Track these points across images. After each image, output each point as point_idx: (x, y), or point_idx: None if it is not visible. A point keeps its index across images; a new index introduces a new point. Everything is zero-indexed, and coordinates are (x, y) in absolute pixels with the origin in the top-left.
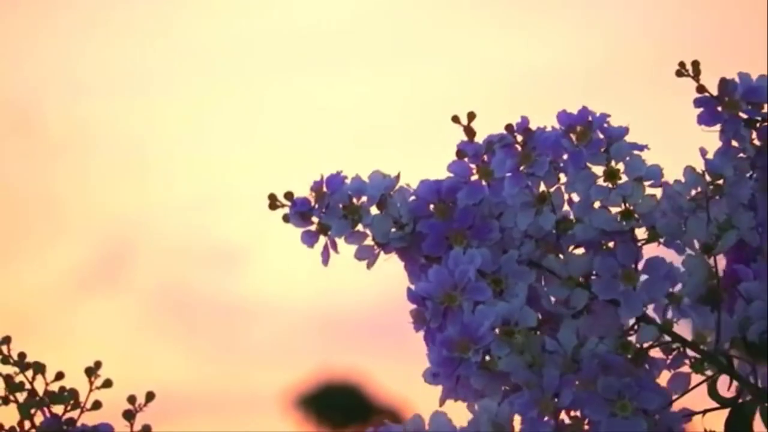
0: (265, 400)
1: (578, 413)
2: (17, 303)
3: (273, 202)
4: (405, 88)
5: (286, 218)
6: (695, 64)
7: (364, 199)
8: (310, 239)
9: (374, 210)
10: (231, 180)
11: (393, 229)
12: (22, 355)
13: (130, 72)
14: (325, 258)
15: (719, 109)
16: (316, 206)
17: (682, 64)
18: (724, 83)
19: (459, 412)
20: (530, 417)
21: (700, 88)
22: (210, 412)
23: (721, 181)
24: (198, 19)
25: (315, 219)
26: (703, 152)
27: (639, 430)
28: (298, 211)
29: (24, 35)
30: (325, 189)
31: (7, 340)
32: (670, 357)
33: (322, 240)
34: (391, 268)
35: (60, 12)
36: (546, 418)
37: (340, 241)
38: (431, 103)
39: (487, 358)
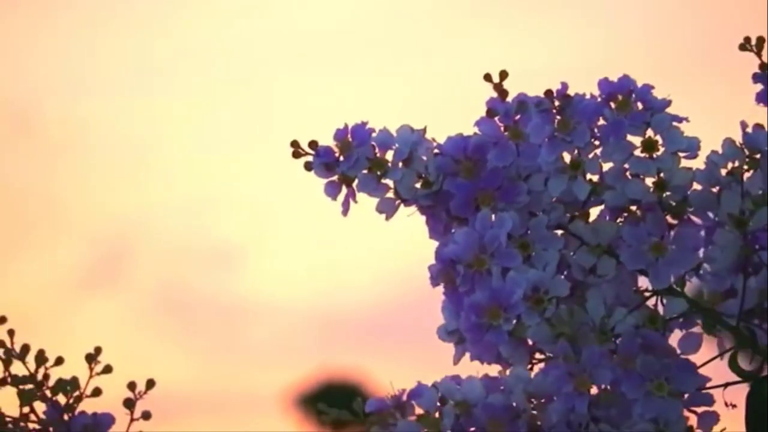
0: (265, 400)
1: (608, 388)
2: (16, 302)
3: (296, 150)
4: (403, 88)
5: (308, 167)
6: (760, 40)
7: (389, 152)
8: (333, 190)
9: (400, 164)
10: (231, 180)
11: (418, 185)
12: (25, 347)
13: (130, 72)
14: (346, 208)
15: None
16: (341, 157)
17: (747, 39)
18: None
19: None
20: (566, 391)
21: (763, 66)
22: (210, 412)
23: (758, 156)
24: (198, 19)
25: (338, 169)
26: (743, 125)
27: (674, 412)
28: (322, 162)
29: (24, 35)
30: (350, 139)
31: (10, 332)
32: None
33: (344, 191)
34: (391, 268)
35: (60, 12)
36: (582, 393)
37: (360, 195)
38: (430, 103)
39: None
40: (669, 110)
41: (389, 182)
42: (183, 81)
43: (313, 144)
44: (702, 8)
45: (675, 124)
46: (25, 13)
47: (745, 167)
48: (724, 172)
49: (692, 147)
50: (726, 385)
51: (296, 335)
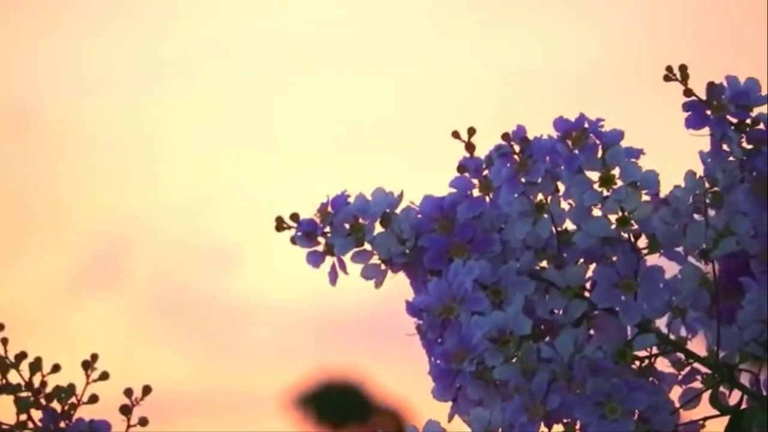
0: (264, 400)
1: (569, 419)
2: (15, 302)
3: (279, 224)
4: (402, 88)
5: (293, 240)
6: (682, 68)
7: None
8: (316, 260)
9: (378, 228)
10: (229, 180)
11: (396, 246)
12: (21, 354)
13: (130, 72)
14: (333, 278)
15: (707, 112)
16: (321, 226)
17: (669, 69)
18: (712, 87)
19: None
20: (521, 422)
21: (687, 92)
22: (209, 413)
23: (718, 187)
24: (198, 19)
25: (321, 240)
26: (703, 157)
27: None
28: (304, 232)
29: (24, 35)
30: (329, 209)
31: (3, 341)
32: (682, 373)
33: (329, 260)
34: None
35: (60, 12)
36: (535, 423)
37: (348, 262)
38: (429, 103)
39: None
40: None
41: (371, 248)
42: (181, 81)
43: (294, 217)
44: (700, 9)
45: (631, 158)
46: (25, 13)
47: (707, 201)
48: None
49: (651, 181)
50: (705, 419)
51: (295, 335)
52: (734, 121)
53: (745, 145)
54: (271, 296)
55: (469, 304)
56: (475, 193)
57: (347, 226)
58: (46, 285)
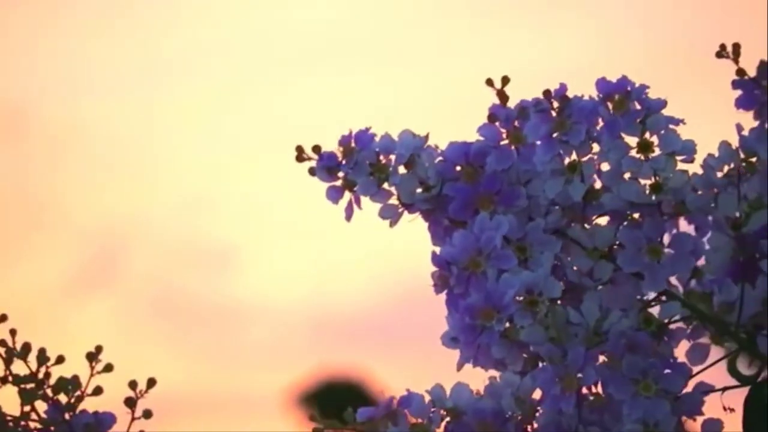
0: (264, 399)
1: (600, 390)
2: (13, 302)
3: (300, 155)
4: (402, 88)
5: (312, 171)
6: (735, 47)
7: (392, 157)
8: (335, 195)
9: (402, 169)
10: (229, 180)
11: (419, 190)
12: (26, 345)
13: (128, 72)
14: (349, 214)
15: (757, 92)
16: (344, 162)
17: (722, 46)
18: (762, 66)
19: (476, 378)
20: (553, 393)
21: (740, 71)
22: (209, 413)
23: (754, 159)
24: (197, 19)
25: (341, 174)
26: (738, 129)
27: (662, 412)
28: (325, 166)
29: (24, 35)
30: (353, 144)
31: (12, 332)
32: (690, 327)
33: (347, 196)
34: (390, 267)
35: (59, 12)
36: (568, 395)
37: (365, 199)
38: (429, 103)
39: (508, 325)
40: (666, 112)
41: (392, 189)
42: (180, 81)
43: (316, 149)
44: (700, 9)
45: (671, 126)
46: (24, 13)
47: (742, 170)
48: (720, 175)
49: (688, 149)
50: (724, 389)
51: (295, 335)
52: None
53: None
54: (271, 295)
55: (497, 261)
56: (503, 143)
57: (369, 164)
58: (44, 285)
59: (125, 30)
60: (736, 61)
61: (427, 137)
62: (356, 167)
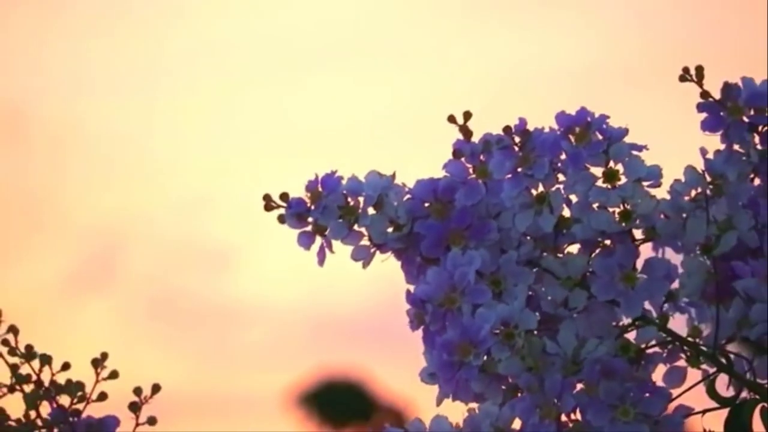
0: (265, 399)
1: (579, 417)
2: (12, 303)
3: (268, 203)
4: (402, 88)
5: (281, 219)
6: (699, 69)
7: (360, 198)
8: (306, 241)
9: (371, 210)
10: (228, 180)
11: (390, 230)
12: (29, 347)
13: (128, 72)
14: (321, 258)
15: (722, 114)
16: (312, 207)
17: (686, 69)
18: (727, 88)
19: (457, 411)
20: (532, 422)
21: (704, 94)
22: (209, 412)
23: (720, 182)
24: (197, 19)
25: (310, 219)
26: (703, 152)
27: None
28: (294, 212)
29: (24, 35)
30: (320, 189)
31: (14, 330)
32: (666, 351)
33: (318, 240)
34: (389, 266)
35: (59, 12)
36: (547, 422)
37: (336, 242)
38: (427, 103)
39: (486, 359)
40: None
41: (362, 230)
42: (179, 82)
43: (284, 196)
44: (699, 9)
45: (635, 152)
46: (24, 13)
47: (709, 193)
48: (687, 199)
49: (653, 175)
50: (704, 411)
51: (295, 335)
52: (748, 122)
53: (759, 146)
54: (271, 296)
55: (472, 296)
56: (471, 178)
57: (338, 207)
58: (42, 285)
59: (125, 30)
60: (700, 84)
61: (393, 176)
62: (325, 211)
